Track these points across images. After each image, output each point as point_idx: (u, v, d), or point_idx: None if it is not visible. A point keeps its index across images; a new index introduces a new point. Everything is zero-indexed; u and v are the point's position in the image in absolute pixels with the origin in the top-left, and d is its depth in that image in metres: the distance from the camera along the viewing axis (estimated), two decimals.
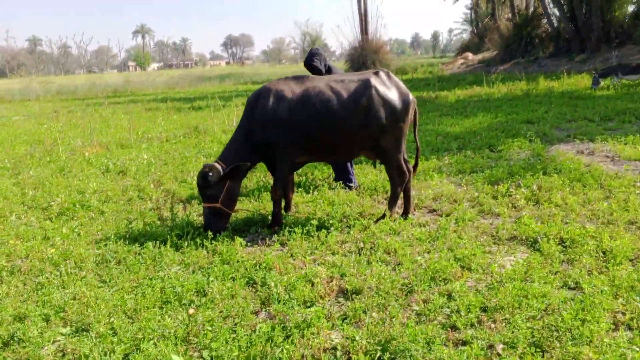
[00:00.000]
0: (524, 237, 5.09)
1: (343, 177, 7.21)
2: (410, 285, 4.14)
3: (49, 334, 3.61)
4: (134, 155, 10.28)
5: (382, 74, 5.75)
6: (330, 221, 5.62)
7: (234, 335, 3.48)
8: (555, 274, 4.25)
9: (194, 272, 4.62)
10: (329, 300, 4.04)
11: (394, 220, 5.68)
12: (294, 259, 4.89)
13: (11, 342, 3.57)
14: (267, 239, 5.46)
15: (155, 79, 39.49)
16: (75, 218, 6.43)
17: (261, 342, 3.38)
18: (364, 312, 3.77)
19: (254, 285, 4.33)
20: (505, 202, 6.20)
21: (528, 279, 4.13)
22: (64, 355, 3.45)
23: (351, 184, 7.18)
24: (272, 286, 4.15)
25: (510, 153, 8.81)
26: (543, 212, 5.73)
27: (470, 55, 37.83)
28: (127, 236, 5.54)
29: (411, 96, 5.74)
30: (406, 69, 36.77)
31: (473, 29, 48.07)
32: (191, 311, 3.88)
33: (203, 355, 3.34)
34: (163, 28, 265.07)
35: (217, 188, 5.41)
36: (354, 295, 4.04)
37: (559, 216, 5.52)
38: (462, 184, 7.22)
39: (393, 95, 5.59)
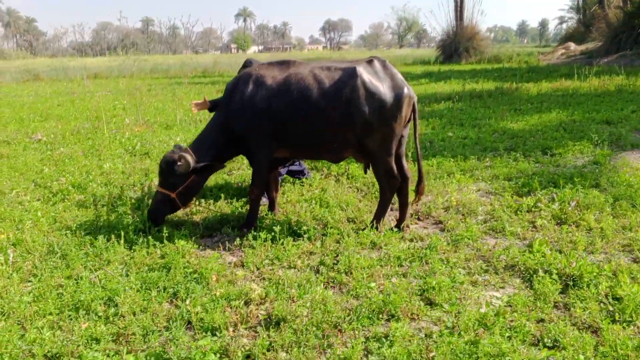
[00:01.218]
0: (522, 268, 4.11)
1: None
2: (346, 319, 3.39)
3: None
4: (168, 138, 10.09)
5: (376, 62, 4.91)
6: (304, 228, 4.92)
7: None
8: (538, 322, 3.30)
9: (127, 274, 4.15)
10: (246, 328, 3.40)
11: (380, 232, 4.88)
12: (243, 269, 4.28)
13: None
14: (230, 242, 4.87)
15: (243, 61, 39.86)
16: (65, 200, 6.24)
17: None
18: (269, 349, 3.09)
19: (176, 299, 3.77)
20: (526, 220, 5.16)
21: (492, 327, 3.22)
22: None
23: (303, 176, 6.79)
24: (187, 304, 3.57)
25: (565, 158, 7.54)
26: (565, 236, 4.65)
27: (572, 46, 34.46)
28: (94, 226, 5.21)
29: (407, 90, 4.81)
30: (500, 57, 34.27)
31: (580, 17, 43.84)
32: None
33: None
34: (265, 12, 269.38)
35: (179, 178, 4.91)
36: (276, 326, 3.36)
37: (582, 244, 4.44)
38: (489, 192, 6.19)
39: (383, 88, 4.73)
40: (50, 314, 3.54)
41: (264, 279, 4.11)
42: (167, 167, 4.91)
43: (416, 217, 5.53)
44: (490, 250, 4.50)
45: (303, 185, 6.57)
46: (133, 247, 4.64)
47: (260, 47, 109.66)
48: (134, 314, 3.52)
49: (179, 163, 4.86)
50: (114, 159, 8.33)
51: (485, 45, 37.81)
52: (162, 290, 3.87)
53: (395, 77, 4.85)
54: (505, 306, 3.54)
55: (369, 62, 4.91)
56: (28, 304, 3.62)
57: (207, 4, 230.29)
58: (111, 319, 3.47)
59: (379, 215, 5.07)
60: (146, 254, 4.50)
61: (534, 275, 3.91)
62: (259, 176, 5.07)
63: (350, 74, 4.70)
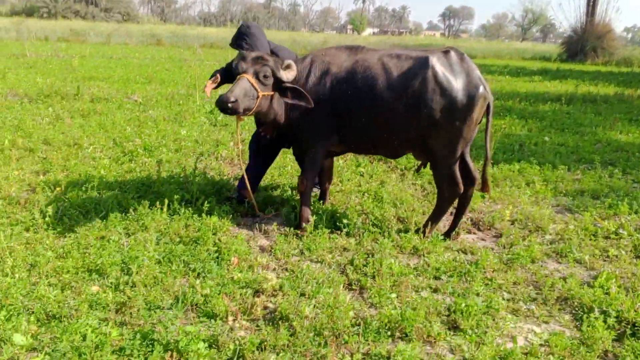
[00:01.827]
0: (577, 303, 3.54)
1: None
2: (352, 329, 3.09)
3: None
4: None
5: (453, 54, 4.35)
6: (345, 221, 4.63)
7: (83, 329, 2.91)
8: None
9: (158, 243, 4.12)
10: (247, 320, 3.22)
11: (426, 238, 4.47)
12: (269, 256, 4.10)
13: None
14: (269, 224, 4.69)
15: (351, 42, 39.69)
16: (132, 161, 6.41)
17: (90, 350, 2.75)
18: (259, 348, 2.89)
19: (192, 276, 3.68)
20: (600, 247, 4.49)
21: None
22: None
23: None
24: (197, 285, 3.46)
25: None
26: None
27: None
28: (144, 190, 5.30)
29: (482, 89, 4.22)
30: (632, 60, 30.99)
31: None
32: (94, 288, 3.42)
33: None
34: None
35: None
36: (277, 323, 3.15)
37: None
38: (568, 209, 5.51)
39: (456, 84, 4.18)
40: (68, 271, 3.59)
41: (286, 269, 3.90)
42: None
43: (476, 226, 5.03)
44: (545, 276, 3.95)
45: (362, 176, 6.25)
46: (173, 217, 4.64)
47: (376, 30, 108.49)
48: (145, 286, 3.48)
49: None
50: (192, 127, 8.50)
51: (616, 46, 34.38)
52: (182, 265, 3.80)
53: (472, 72, 4.28)
54: (540, 345, 3.05)
55: (445, 52, 4.40)
56: (50, 260, 3.69)
57: None
58: (122, 287, 3.45)
59: (433, 220, 4.63)
60: (184, 226, 4.47)
61: (588, 314, 3.35)
62: (312, 167, 4.68)
63: (421, 65, 4.24)
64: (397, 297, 3.48)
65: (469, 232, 4.94)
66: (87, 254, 3.83)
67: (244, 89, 4.09)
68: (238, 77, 4.17)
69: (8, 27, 34.61)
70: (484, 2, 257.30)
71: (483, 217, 5.16)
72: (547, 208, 5.40)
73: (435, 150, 4.37)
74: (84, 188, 5.20)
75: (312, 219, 4.57)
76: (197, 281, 3.54)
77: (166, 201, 4.78)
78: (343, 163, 6.70)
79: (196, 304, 3.33)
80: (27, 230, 4.32)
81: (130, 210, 4.69)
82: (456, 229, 4.68)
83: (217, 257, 3.93)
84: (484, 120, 4.42)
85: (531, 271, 4.06)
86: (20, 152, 6.49)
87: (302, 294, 3.46)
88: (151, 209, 4.67)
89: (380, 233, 4.52)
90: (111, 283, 3.50)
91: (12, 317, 3.06)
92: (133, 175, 5.83)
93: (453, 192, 4.51)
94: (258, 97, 4.14)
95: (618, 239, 4.63)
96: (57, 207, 4.66)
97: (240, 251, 3.99)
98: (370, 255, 4.11)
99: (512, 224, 5.06)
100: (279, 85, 4.28)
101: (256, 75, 4.17)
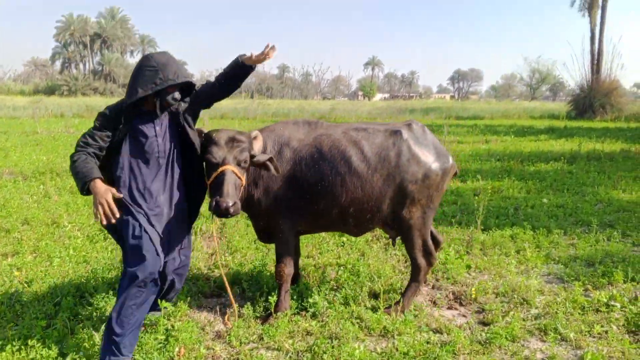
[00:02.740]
0: None
1: None
2: None
3: None
4: None
5: (415, 126, 4.26)
6: (312, 299, 4.33)
7: None
8: None
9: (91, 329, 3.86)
10: None
11: (398, 318, 4.13)
12: (223, 344, 3.80)
13: None
14: (231, 306, 4.39)
15: (359, 108, 40.34)
16: None
17: None
18: None
19: None
20: (589, 321, 4.11)
21: None
22: None
23: None
24: None
25: None
26: (631, 353, 3.57)
27: None
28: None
29: (451, 160, 4.24)
30: None
31: None
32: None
33: None
34: (394, 61, 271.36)
35: None
36: None
37: None
38: (559, 278, 5.15)
39: (429, 156, 4.12)
40: None
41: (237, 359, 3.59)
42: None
43: (458, 301, 4.68)
44: (526, 358, 3.57)
45: (343, 246, 5.99)
46: None
47: (386, 95, 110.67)
48: None
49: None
50: None
51: (625, 102, 34.37)
52: None
53: (437, 144, 4.24)
54: None
55: (408, 126, 4.29)
56: None
57: (339, 53, 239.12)
58: None
59: (408, 296, 4.33)
60: None
61: None
62: (286, 253, 4.24)
63: (395, 138, 4.11)
64: None
65: (450, 307, 4.60)
66: (24, 346, 3.57)
67: (234, 184, 3.59)
68: (220, 169, 3.59)
69: (26, 106, 35.96)
70: (492, 64, 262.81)
71: (466, 290, 4.81)
72: (535, 278, 5.04)
73: (410, 221, 4.15)
74: (48, 271, 5.01)
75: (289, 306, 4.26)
76: None
77: None
78: (325, 234, 6.45)
79: None
80: None
81: (86, 294, 4.46)
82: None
83: (164, 347, 3.63)
84: None
85: (511, 352, 3.69)
86: None
87: None
88: (107, 294, 4.44)
89: (349, 313, 4.20)
90: None
91: None
92: (102, 254, 5.64)
93: (428, 262, 4.31)
94: (242, 185, 3.76)
95: (609, 312, 4.24)
96: (11, 294, 4.45)
97: (189, 339, 3.69)
98: (333, 339, 3.79)
99: (496, 297, 4.71)
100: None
101: (238, 164, 3.67)
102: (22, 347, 3.57)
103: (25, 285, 4.73)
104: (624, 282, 4.86)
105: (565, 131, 23.12)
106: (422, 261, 4.28)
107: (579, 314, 4.27)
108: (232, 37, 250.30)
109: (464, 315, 4.43)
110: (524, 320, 4.21)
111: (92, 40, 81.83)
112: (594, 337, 3.92)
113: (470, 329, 4.10)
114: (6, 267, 5.16)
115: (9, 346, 3.55)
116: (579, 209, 7.85)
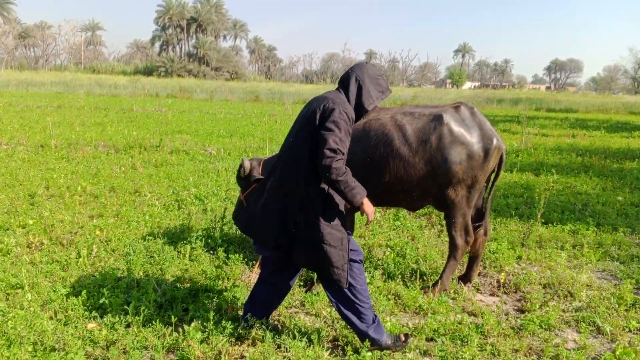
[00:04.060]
0: None
1: None
2: None
3: None
4: None
5: (463, 109, 4.41)
6: None
7: None
8: None
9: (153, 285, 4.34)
10: None
11: (434, 297, 4.30)
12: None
13: None
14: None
15: (443, 96, 39.41)
16: (181, 208, 6.82)
17: None
18: None
19: (186, 318, 3.82)
20: (632, 317, 4.05)
21: None
22: None
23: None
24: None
25: None
26: None
27: None
28: (155, 241, 5.61)
29: (496, 141, 4.32)
30: None
31: None
32: (90, 325, 3.66)
33: None
34: (487, 48, 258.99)
35: (244, 182, 4.78)
36: None
37: None
38: (614, 276, 5.04)
39: (471, 137, 4.28)
40: (73, 309, 3.87)
41: (278, 321, 3.92)
42: (238, 170, 5.02)
43: (503, 290, 4.74)
44: (556, 346, 3.63)
45: (396, 230, 6.16)
46: (193, 262, 4.87)
47: (477, 84, 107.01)
48: (138, 327, 3.66)
49: (240, 168, 4.92)
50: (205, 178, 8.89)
51: None
52: (181, 310, 3.97)
53: (484, 125, 4.36)
54: None
55: (456, 107, 4.44)
56: (62, 297, 4.02)
57: (428, 40, 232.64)
58: (116, 326, 3.65)
59: (447, 274, 4.50)
60: (201, 272, 4.67)
61: None
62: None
63: (437, 121, 4.29)
64: (377, 356, 3.36)
65: (492, 294, 4.68)
66: (97, 294, 4.11)
67: (237, 201, 4.44)
68: None
69: (126, 85, 38.62)
70: (594, 54, 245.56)
71: (510, 279, 4.86)
72: (586, 273, 4.98)
73: (453, 200, 4.36)
74: (125, 232, 5.62)
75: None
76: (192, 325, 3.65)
77: (188, 247, 5.04)
78: (380, 217, 6.65)
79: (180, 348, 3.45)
80: (63, 269, 4.73)
81: (154, 254, 4.99)
82: (472, 279, 4.64)
83: (214, 306, 4.04)
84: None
85: (543, 339, 3.75)
86: (86, 197, 7.16)
87: (278, 346, 3.46)
88: (178, 255, 4.96)
89: (387, 290, 4.41)
90: (109, 321, 3.73)
91: (11, 346, 3.36)
92: (175, 222, 6.19)
93: (465, 242, 4.47)
94: None
95: None
96: (91, 249, 5.07)
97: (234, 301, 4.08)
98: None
99: (543, 288, 4.71)
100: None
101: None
102: (95, 293, 4.12)
103: (105, 243, 5.35)
104: None
105: None
106: (460, 241, 4.45)
107: (624, 310, 4.21)
108: (318, 24, 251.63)
109: (504, 303, 4.50)
110: (563, 311, 4.22)
111: (189, 24, 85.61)
112: (631, 332, 3.87)
113: (506, 314, 4.18)
114: (90, 226, 5.82)
115: (85, 291, 4.10)
116: None
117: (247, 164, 4.84)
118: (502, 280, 4.74)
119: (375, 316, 3.46)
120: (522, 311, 4.27)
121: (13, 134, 13.00)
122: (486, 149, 4.28)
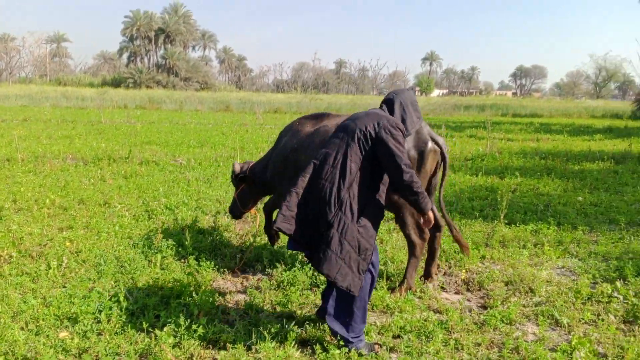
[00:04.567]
0: None
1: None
2: None
3: None
4: None
5: None
6: (322, 278, 4.70)
7: None
8: None
9: (124, 293, 4.38)
10: None
11: (401, 296, 4.46)
12: (239, 312, 4.23)
13: None
14: (248, 282, 4.85)
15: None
16: (151, 218, 6.84)
17: None
18: None
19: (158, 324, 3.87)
20: (588, 310, 4.26)
21: None
22: None
23: None
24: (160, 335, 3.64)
25: None
26: (617, 339, 3.72)
27: None
28: (129, 251, 5.64)
29: (432, 144, 4.57)
30: None
31: None
32: (62, 334, 3.68)
33: None
34: (453, 56, 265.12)
35: (236, 182, 5.52)
36: None
37: (633, 353, 3.51)
38: (572, 272, 5.28)
39: (407, 142, 4.46)
40: (44, 319, 3.89)
41: (249, 322, 4.01)
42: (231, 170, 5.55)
43: (465, 287, 4.92)
44: (516, 339, 3.80)
45: None
46: (164, 271, 4.91)
47: (445, 91, 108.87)
48: (110, 334, 3.70)
49: (231, 168, 5.49)
50: (220, 187, 8.93)
51: None
52: (152, 317, 4.01)
53: (421, 129, 4.58)
54: None
55: None
56: (33, 307, 4.03)
57: (396, 48, 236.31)
58: (89, 334, 3.68)
59: (409, 272, 4.67)
60: (172, 280, 4.72)
61: None
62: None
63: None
64: (346, 355, 3.48)
65: (457, 292, 4.85)
66: (69, 304, 4.13)
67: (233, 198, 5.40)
68: None
69: (93, 97, 38.11)
70: (557, 61, 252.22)
71: (474, 278, 5.04)
72: (546, 269, 5.21)
73: (397, 201, 4.55)
74: (96, 243, 5.62)
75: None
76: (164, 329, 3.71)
77: (159, 256, 5.08)
78: None
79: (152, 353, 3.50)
80: (33, 280, 4.72)
81: (125, 264, 5.02)
82: (431, 274, 4.93)
83: (186, 312, 4.10)
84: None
85: (504, 333, 3.92)
86: (55, 210, 7.11)
87: (249, 348, 3.55)
88: (149, 264, 5.00)
89: None
90: (81, 330, 3.76)
91: None
92: (144, 231, 6.21)
93: (421, 238, 4.66)
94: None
95: (609, 303, 4.37)
96: (62, 261, 5.07)
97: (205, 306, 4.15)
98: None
99: (506, 285, 4.91)
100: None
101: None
102: (66, 303, 4.14)
103: (75, 254, 5.35)
104: (635, 276, 4.93)
105: (624, 131, 22.36)
106: (415, 237, 4.64)
107: (580, 303, 4.43)
108: (288, 33, 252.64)
109: (468, 300, 4.67)
110: (524, 306, 4.42)
111: (157, 35, 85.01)
112: (587, 324, 4.08)
113: (469, 311, 4.35)
114: (60, 238, 5.80)
115: (56, 302, 4.11)
116: (612, 208, 7.81)
117: (236, 167, 5.40)
118: (462, 277, 4.94)
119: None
120: (485, 307, 4.45)
121: None
122: (420, 151, 4.52)
